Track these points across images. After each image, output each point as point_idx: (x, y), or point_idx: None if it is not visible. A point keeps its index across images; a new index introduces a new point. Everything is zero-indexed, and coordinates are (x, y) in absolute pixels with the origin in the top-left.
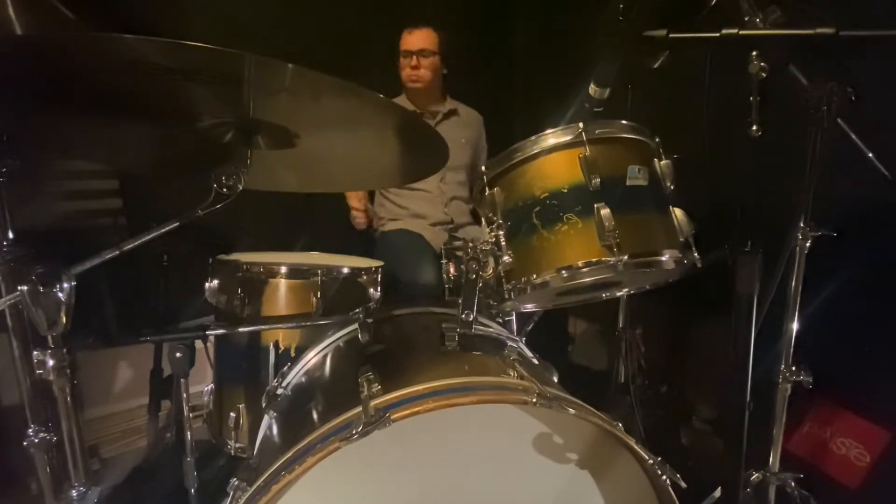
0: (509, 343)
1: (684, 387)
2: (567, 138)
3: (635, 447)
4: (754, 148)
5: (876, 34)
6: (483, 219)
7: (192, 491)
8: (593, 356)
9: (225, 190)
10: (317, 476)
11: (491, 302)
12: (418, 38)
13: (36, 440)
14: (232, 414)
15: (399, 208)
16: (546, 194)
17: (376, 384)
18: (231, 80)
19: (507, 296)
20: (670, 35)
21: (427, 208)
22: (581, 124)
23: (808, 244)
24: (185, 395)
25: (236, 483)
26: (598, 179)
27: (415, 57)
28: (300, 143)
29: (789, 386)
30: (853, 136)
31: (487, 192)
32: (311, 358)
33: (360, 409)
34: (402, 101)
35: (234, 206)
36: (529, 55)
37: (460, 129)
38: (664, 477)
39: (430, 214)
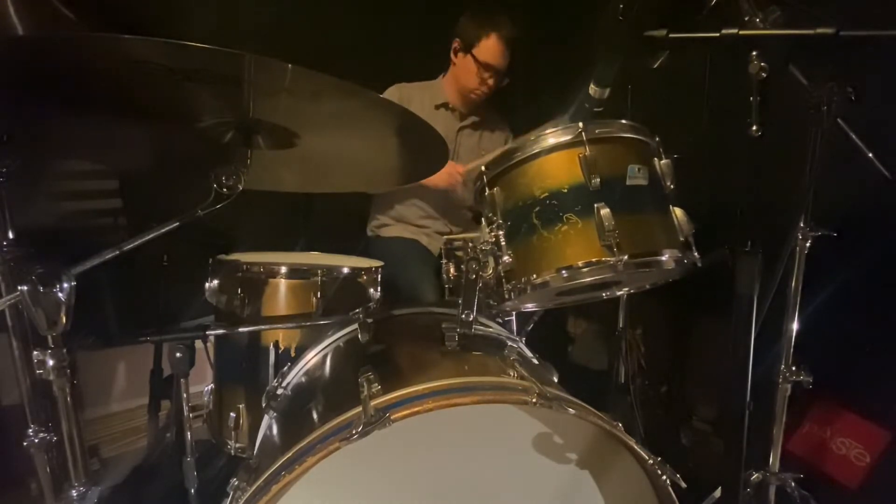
0: (509, 343)
1: (684, 387)
2: (567, 138)
3: (635, 447)
4: (754, 148)
5: (876, 34)
6: (483, 219)
7: (192, 491)
8: (593, 356)
9: (225, 190)
10: (317, 476)
11: (491, 302)
12: (508, 57)
13: (36, 440)
14: (232, 414)
15: (396, 213)
16: (546, 194)
17: (376, 384)
18: (231, 80)
19: (507, 296)
20: (670, 35)
21: (428, 220)
22: (581, 124)
23: (808, 244)
24: (185, 395)
25: (236, 483)
26: (598, 179)
27: (494, 76)
28: (300, 143)
29: (789, 386)
30: (853, 136)
31: (487, 192)
32: (311, 358)
33: (359, 409)
34: (436, 85)
35: (234, 206)
36: (529, 55)
37: (484, 140)
38: (664, 477)
39: (430, 225)
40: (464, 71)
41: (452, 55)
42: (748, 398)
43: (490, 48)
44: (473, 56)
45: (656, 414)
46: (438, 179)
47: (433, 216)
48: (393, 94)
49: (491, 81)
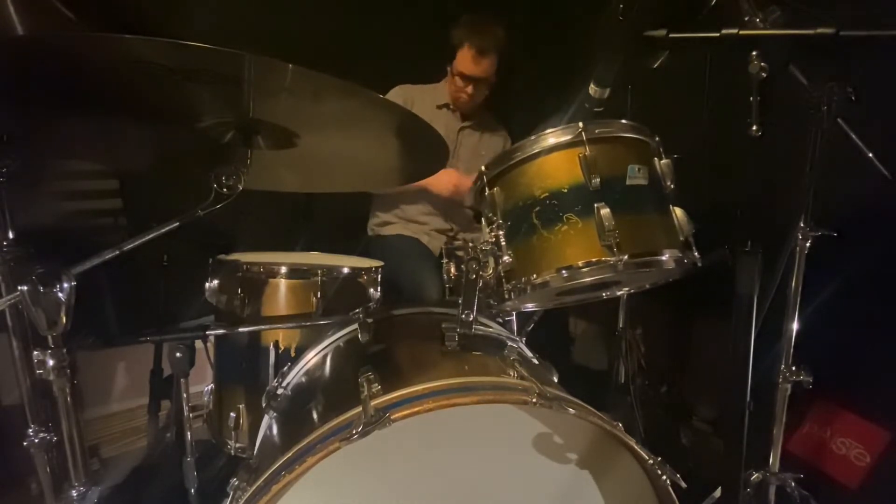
0: (509, 343)
1: (684, 387)
2: (567, 138)
3: (635, 447)
4: (754, 148)
5: (876, 34)
6: (483, 219)
7: (192, 491)
8: (593, 356)
9: (225, 190)
10: (317, 476)
11: (491, 302)
12: (485, 68)
13: (36, 440)
14: (232, 414)
15: (397, 210)
16: (546, 194)
17: (376, 384)
18: (231, 80)
19: (507, 296)
20: (670, 35)
21: (429, 217)
22: (581, 124)
23: (808, 244)
24: (185, 395)
25: (236, 483)
26: (598, 179)
27: (471, 85)
28: (300, 143)
29: (789, 386)
30: (853, 136)
31: (487, 192)
32: (311, 358)
33: (359, 409)
34: (439, 87)
35: (234, 206)
36: (529, 55)
37: (484, 140)
38: (664, 477)
39: (430, 222)
40: (450, 78)
41: (448, 66)
42: (748, 398)
43: (463, 59)
44: (453, 66)
45: (656, 414)
46: (443, 189)
47: (434, 213)
48: (397, 95)
49: (469, 90)
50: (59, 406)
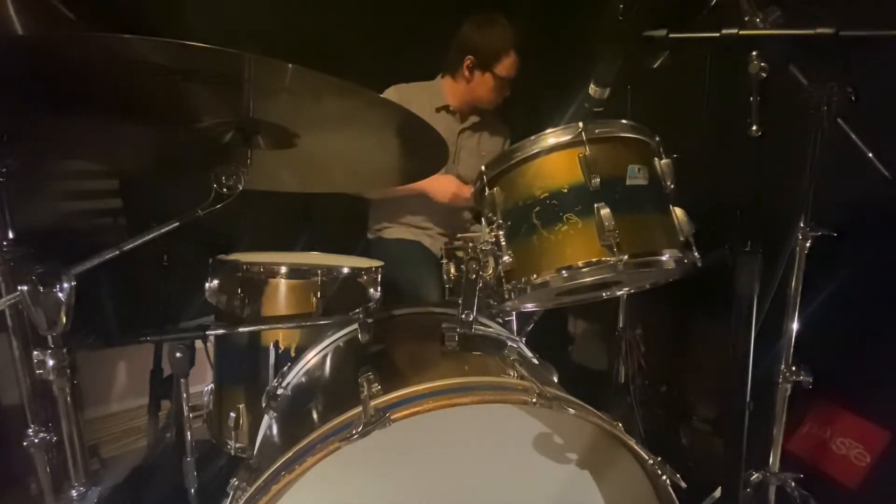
0: (509, 343)
1: (684, 387)
2: (567, 138)
3: (635, 447)
4: (754, 148)
5: (876, 34)
6: (483, 219)
7: (192, 491)
8: (593, 356)
9: (225, 190)
10: (317, 476)
11: (491, 302)
12: (517, 64)
13: (36, 440)
14: (232, 414)
15: (398, 215)
16: (546, 194)
17: (376, 384)
18: (231, 80)
19: (507, 296)
20: (670, 35)
21: (428, 221)
22: (581, 124)
23: (808, 244)
24: (185, 395)
25: (236, 483)
26: (598, 179)
27: (510, 84)
28: (300, 143)
29: (789, 386)
30: (853, 136)
31: (487, 192)
32: (311, 358)
33: (359, 409)
34: (435, 86)
35: (234, 206)
36: (529, 55)
37: (484, 141)
38: (664, 477)
39: (432, 227)
40: (482, 86)
41: (466, 72)
42: (748, 398)
43: (511, 64)
44: (494, 73)
45: (656, 414)
46: (442, 195)
47: (434, 219)
48: (391, 95)
49: (507, 91)
50: (59, 406)
